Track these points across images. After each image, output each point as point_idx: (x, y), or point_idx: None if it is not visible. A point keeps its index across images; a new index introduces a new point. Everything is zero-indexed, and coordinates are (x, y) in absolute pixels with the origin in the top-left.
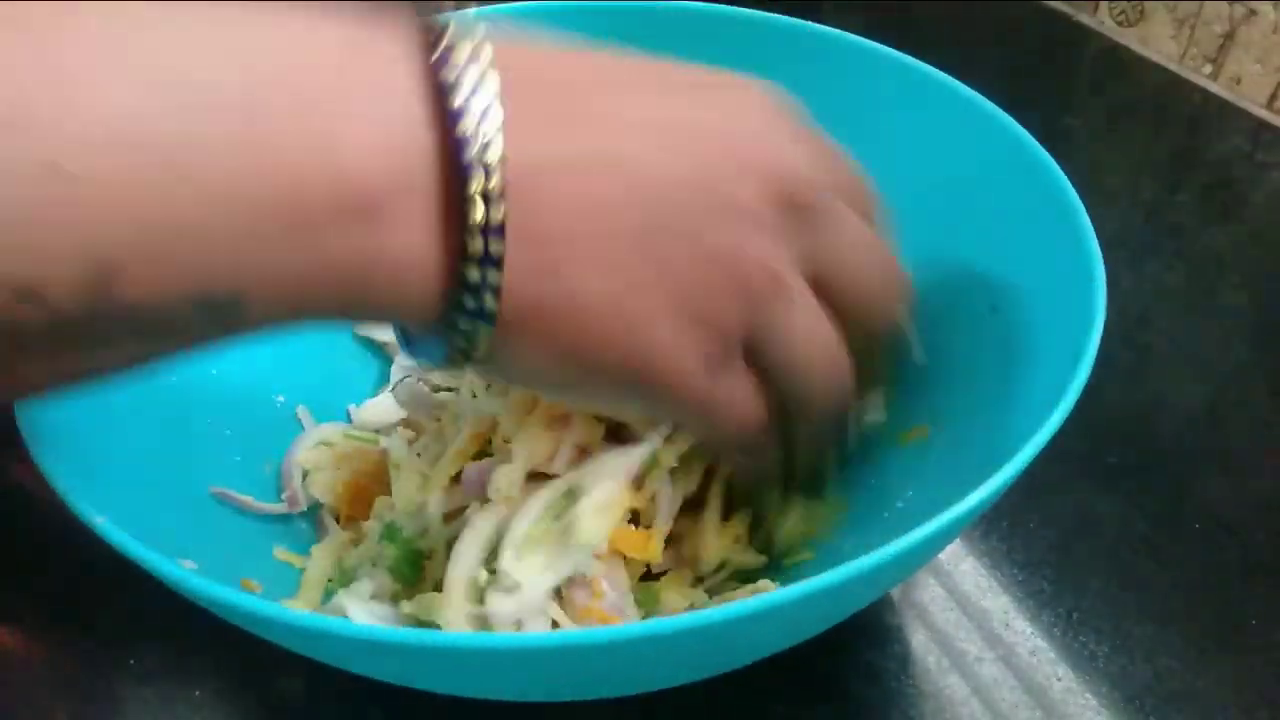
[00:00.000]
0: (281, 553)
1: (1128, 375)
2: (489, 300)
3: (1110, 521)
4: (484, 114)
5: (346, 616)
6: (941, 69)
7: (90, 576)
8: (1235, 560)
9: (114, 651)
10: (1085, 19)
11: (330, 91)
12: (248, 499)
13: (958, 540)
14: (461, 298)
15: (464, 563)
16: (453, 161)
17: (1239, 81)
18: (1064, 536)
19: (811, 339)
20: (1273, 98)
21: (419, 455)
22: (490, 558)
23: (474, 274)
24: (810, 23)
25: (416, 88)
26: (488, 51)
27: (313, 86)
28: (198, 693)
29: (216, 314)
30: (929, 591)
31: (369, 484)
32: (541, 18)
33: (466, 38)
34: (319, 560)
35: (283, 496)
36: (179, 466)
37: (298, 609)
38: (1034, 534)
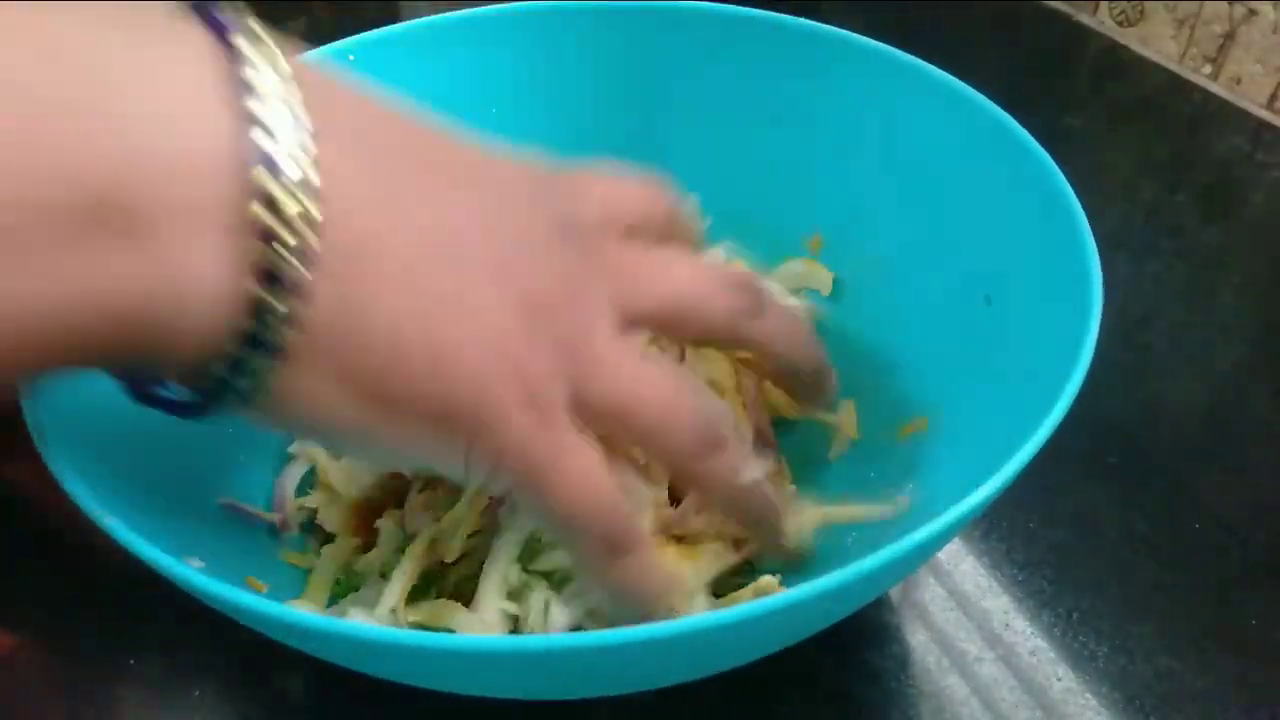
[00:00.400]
0: (289, 556)
1: (1128, 375)
2: (283, 331)
3: (1110, 521)
4: (290, 125)
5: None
6: (941, 69)
7: (90, 577)
8: (1236, 560)
9: (114, 652)
10: (1085, 19)
11: (100, 89)
12: (256, 510)
13: (958, 540)
14: (252, 329)
15: (502, 561)
16: (251, 175)
17: (1239, 82)
18: (1064, 536)
19: (642, 379)
20: (1273, 98)
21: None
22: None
23: (271, 303)
24: (809, 20)
25: (210, 92)
26: (286, 67)
27: (77, 84)
28: (197, 693)
29: None
30: (929, 591)
31: (371, 504)
32: (542, 18)
33: (264, 46)
34: (327, 561)
35: (277, 520)
36: (184, 465)
37: (305, 609)
38: (1034, 534)
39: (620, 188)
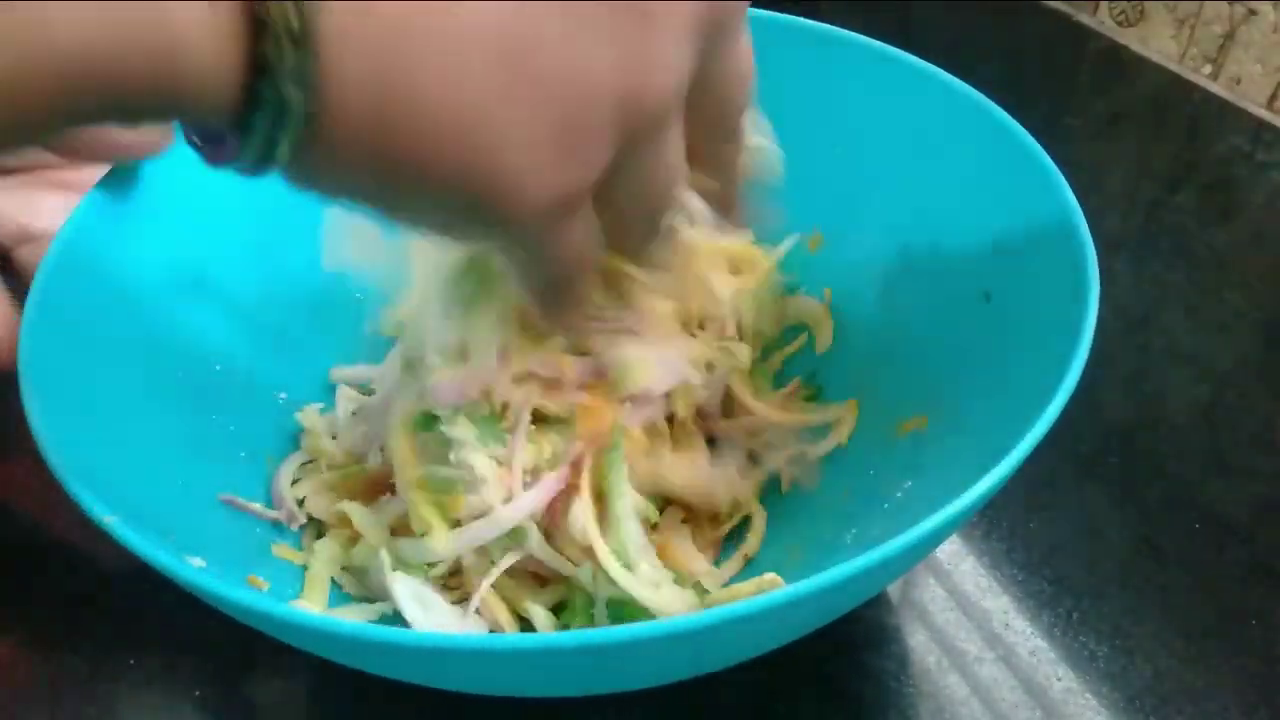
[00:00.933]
0: (281, 549)
1: (1128, 375)
2: (294, 92)
3: (1110, 522)
4: None
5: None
6: (941, 68)
7: (89, 577)
8: (1235, 560)
9: (114, 652)
10: (1085, 19)
11: None
12: (256, 506)
13: (958, 540)
14: (260, 86)
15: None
16: None
17: (1239, 81)
18: (1064, 537)
19: (668, 185)
20: (1273, 98)
21: None
22: None
23: (275, 53)
24: (809, 20)
25: None
26: None
27: None
28: (197, 693)
29: None
30: (929, 591)
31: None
32: None
33: None
34: (321, 557)
35: (280, 516)
36: (183, 464)
37: (306, 608)
38: (1034, 534)
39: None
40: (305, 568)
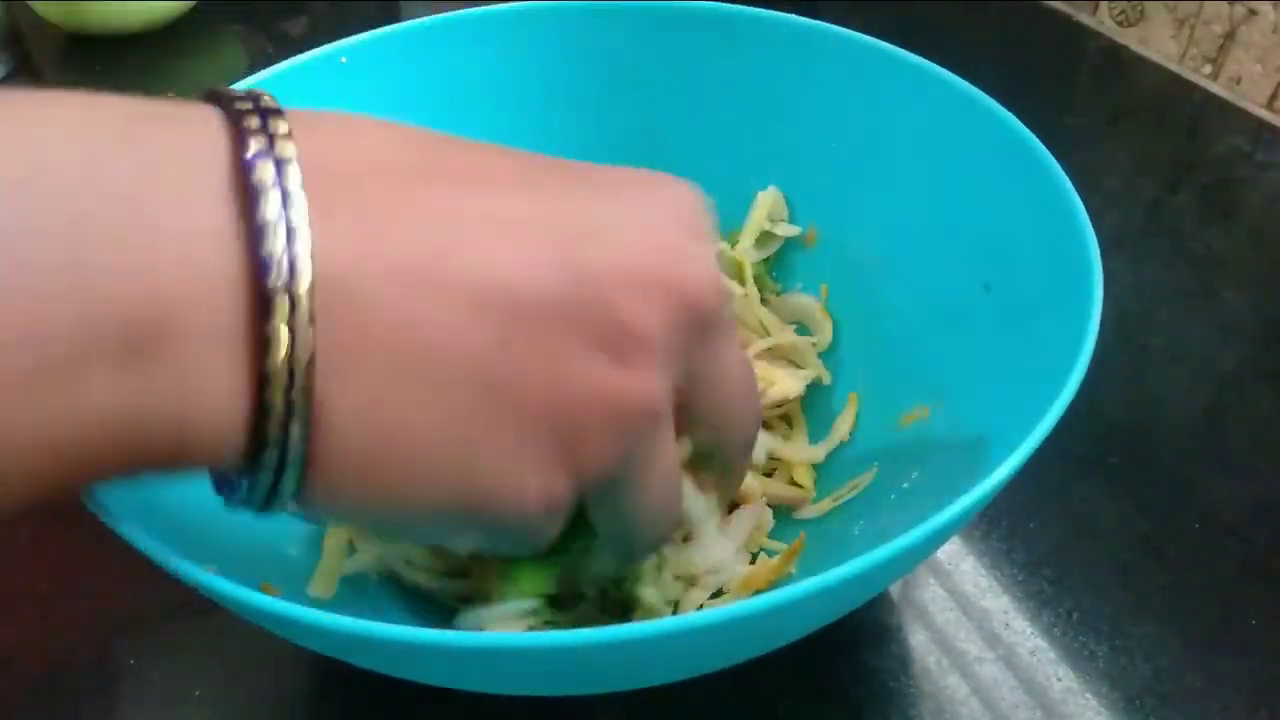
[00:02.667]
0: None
1: (1128, 375)
2: (294, 447)
3: (1110, 522)
4: (291, 230)
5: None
6: (941, 67)
7: (89, 576)
8: (1236, 560)
9: (114, 652)
10: (1085, 19)
11: (88, 196)
12: None
13: (958, 540)
14: (264, 441)
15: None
16: (251, 284)
17: (1239, 81)
18: (1064, 537)
19: (664, 482)
20: (1273, 98)
21: None
22: None
23: (274, 427)
24: (811, 19)
25: (206, 190)
26: (291, 145)
27: (63, 190)
28: (197, 693)
29: None
30: (929, 591)
31: None
32: (543, 17)
33: (271, 125)
34: (330, 557)
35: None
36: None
37: (318, 592)
38: (1034, 534)
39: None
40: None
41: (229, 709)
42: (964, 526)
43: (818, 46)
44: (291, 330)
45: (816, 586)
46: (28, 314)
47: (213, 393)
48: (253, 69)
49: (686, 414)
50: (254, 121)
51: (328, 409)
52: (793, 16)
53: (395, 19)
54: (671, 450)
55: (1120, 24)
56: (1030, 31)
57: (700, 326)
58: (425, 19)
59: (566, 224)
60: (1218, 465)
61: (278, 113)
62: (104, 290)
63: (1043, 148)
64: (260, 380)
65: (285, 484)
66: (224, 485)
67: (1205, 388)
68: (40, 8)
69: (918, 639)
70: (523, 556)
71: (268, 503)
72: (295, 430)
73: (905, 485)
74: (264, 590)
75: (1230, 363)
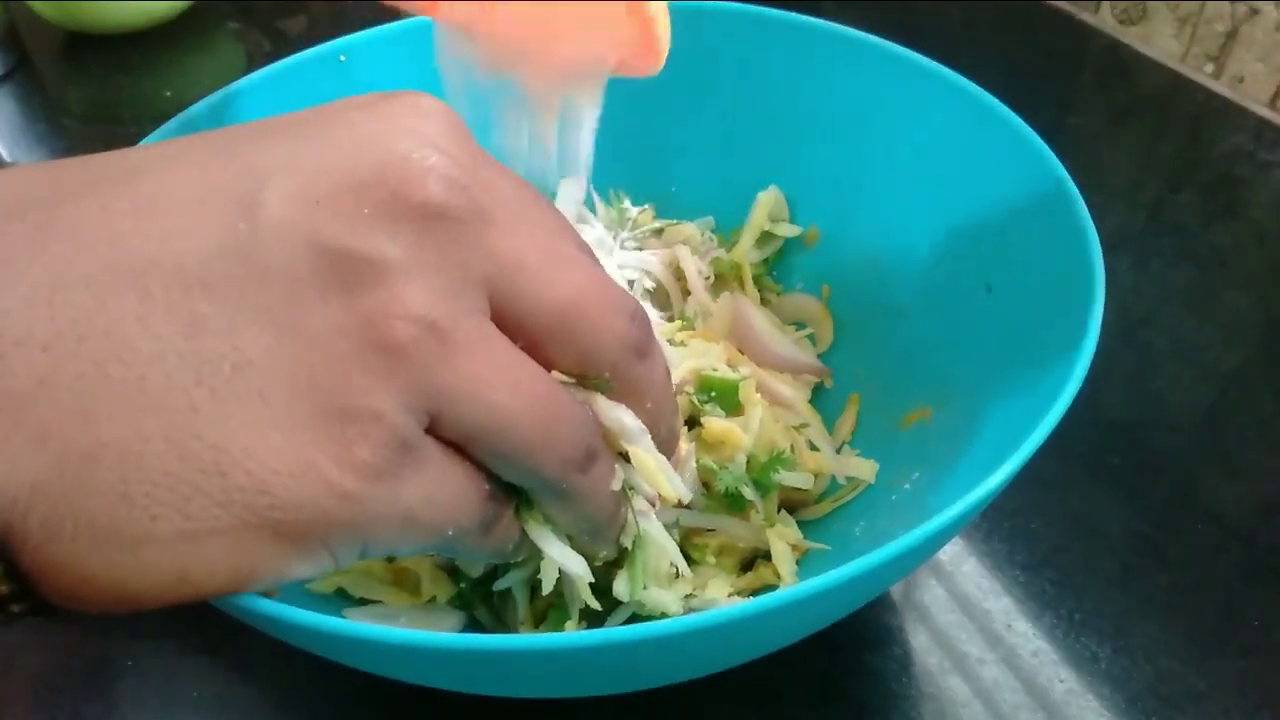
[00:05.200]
0: None
1: (1130, 375)
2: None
3: (1112, 523)
4: None
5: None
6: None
7: None
8: (1237, 561)
9: (114, 652)
10: (1087, 18)
11: None
12: None
13: (959, 541)
14: None
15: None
16: None
17: (1241, 80)
18: (1066, 538)
19: (514, 393)
20: (1275, 97)
21: None
22: None
23: None
24: (815, 18)
25: None
26: None
27: None
28: (196, 693)
29: None
30: (930, 593)
31: None
32: None
33: None
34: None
35: None
36: None
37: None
38: (1036, 535)
39: (474, 159)
40: None
41: (228, 709)
42: (965, 527)
43: (819, 45)
44: None
45: (817, 588)
46: None
47: None
48: (251, 67)
49: (520, 333)
50: None
51: (21, 532)
52: (794, 14)
53: (394, 18)
54: (496, 348)
55: (1122, 23)
56: (1032, 30)
57: (448, 221)
58: (425, 17)
59: (240, 178)
60: (1220, 466)
61: None
62: None
63: (1045, 146)
64: None
65: (13, 607)
66: None
67: (1207, 388)
68: (39, 6)
69: (919, 640)
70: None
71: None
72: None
73: (906, 486)
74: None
75: (1232, 362)
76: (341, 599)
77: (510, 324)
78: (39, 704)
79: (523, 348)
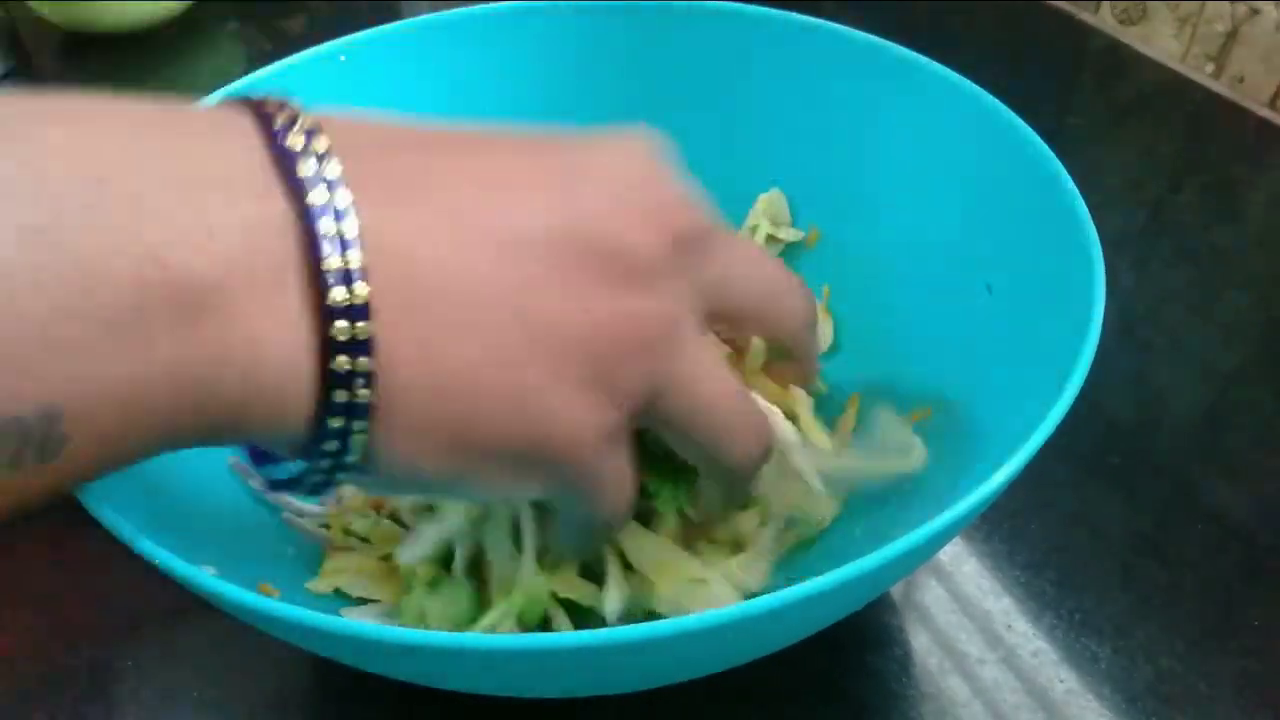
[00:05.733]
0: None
1: (1130, 375)
2: (361, 390)
3: (1113, 523)
4: (332, 184)
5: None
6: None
7: (89, 576)
8: (1238, 561)
9: (114, 651)
10: (1087, 17)
11: (140, 163)
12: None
13: (959, 542)
14: (330, 393)
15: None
16: (304, 239)
17: (1241, 81)
18: (1066, 538)
19: (716, 392)
20: (1275, 97)
21: None
22: None
23: (343, 362)
24: (811, 18)
25: (251, 154)
26: (314, 119)
27: (115, 157)
28: (197, 693)
29: (28, 444)
30: (930, 593)
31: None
32: (542, 16)
33: (295, 112)
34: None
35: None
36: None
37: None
38: (1036, 535)
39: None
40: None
41: (229, 710)
42: (965, 527)
43: (819, 45)
44: (347, 275)
45: (816, 589)
46: (91, 273)
47: (276, 342)
48: (251, 67)
49: (734, 325)
50: (280, 110)
51: (387, 354)
52: (794, 14)
53: (395, 17)
54: (710, 357)
55: (1122, 22)
56: (1031, 30)
57: (695, 242)
58: (425, 17)
59: (556, 172)
60: (1220, 466)
61: (296, 104)
62: (160, 247)
63: (1045, 147)
64: (324, 324)
65: (353, 442)
66: (275, 467)
67: (1207, 388)
68: (38, 6)
69: (920, 640)
70: (605, 519)
71: (332, 470)
72: (361, 363)
73: (907, 486)
74: (261, 591)
75: (1232, 363)
76: (339, 599)
77: (719, 314)
78: (39, 704)
79: (724, 328)
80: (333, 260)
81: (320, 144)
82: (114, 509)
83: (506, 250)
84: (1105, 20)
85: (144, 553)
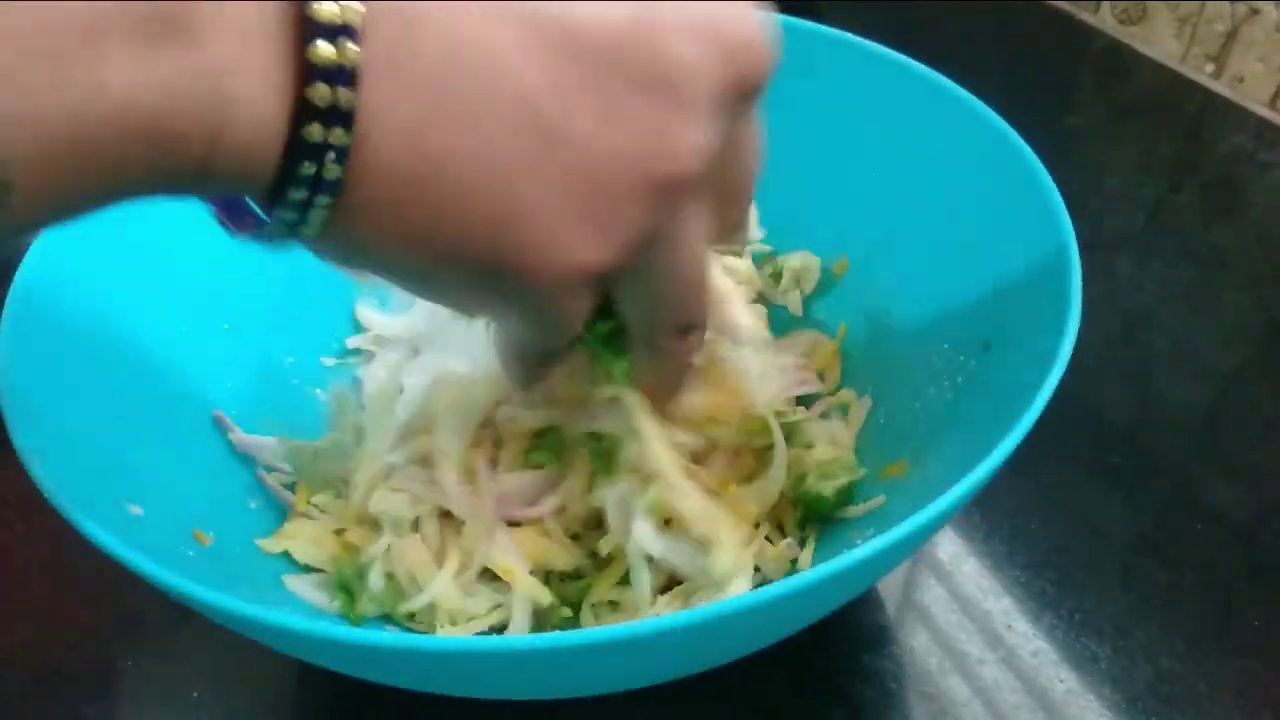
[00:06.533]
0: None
1: (1130, 375)
2: (331, 166)
3: (1112, 523)
4: None
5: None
6: (942, 68)
7: (89, 576)
8: (1237, 561)
9: (114, 652)
10: (1087, 18)
11: None
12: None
13: (959, 542)
14: (297, 161)
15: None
16: None
17: (1241, 80)
18: (1066, 538)
19: (690, 263)
20: (1275, 97)
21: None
22: None
23: (315, 131)
24: (807, 20)
25: None
26: None
27: None
28: (196, 693)
29: None
30: (930, 593)
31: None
32: None
33: None
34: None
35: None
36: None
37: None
38: (1036, 535)
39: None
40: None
41: (228, 710)
42: (955, 516)
43: (816, 49)
44: (339, 30)
45: (806, 582)
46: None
47: (250, 82)
48: None
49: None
50: None
51: (370, 121)
52: (793, 18)
53: None
54: (699, 226)
55: (1122, 23)
56: (1032, 30)
57: (745, 92)
58: None
59: None
60: (1220, 466)
61: None
62: None
63: (1029, 149)
64: (304, 74)
65: (318, 201)
66: (236, 217)
67: (1207, 388)
68: None
69: (919, 640)
70: (547, 348)
71: (292, 230)
72: (337, 135)
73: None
74: (195, 537)
75: (1232, 363)
76: (287, 563)
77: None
78: (39, 704)
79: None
80: (325, 7)
81: None
82: (75, 497)
83: (545, 38)
84: (1105, 20)
85: (118, 555)
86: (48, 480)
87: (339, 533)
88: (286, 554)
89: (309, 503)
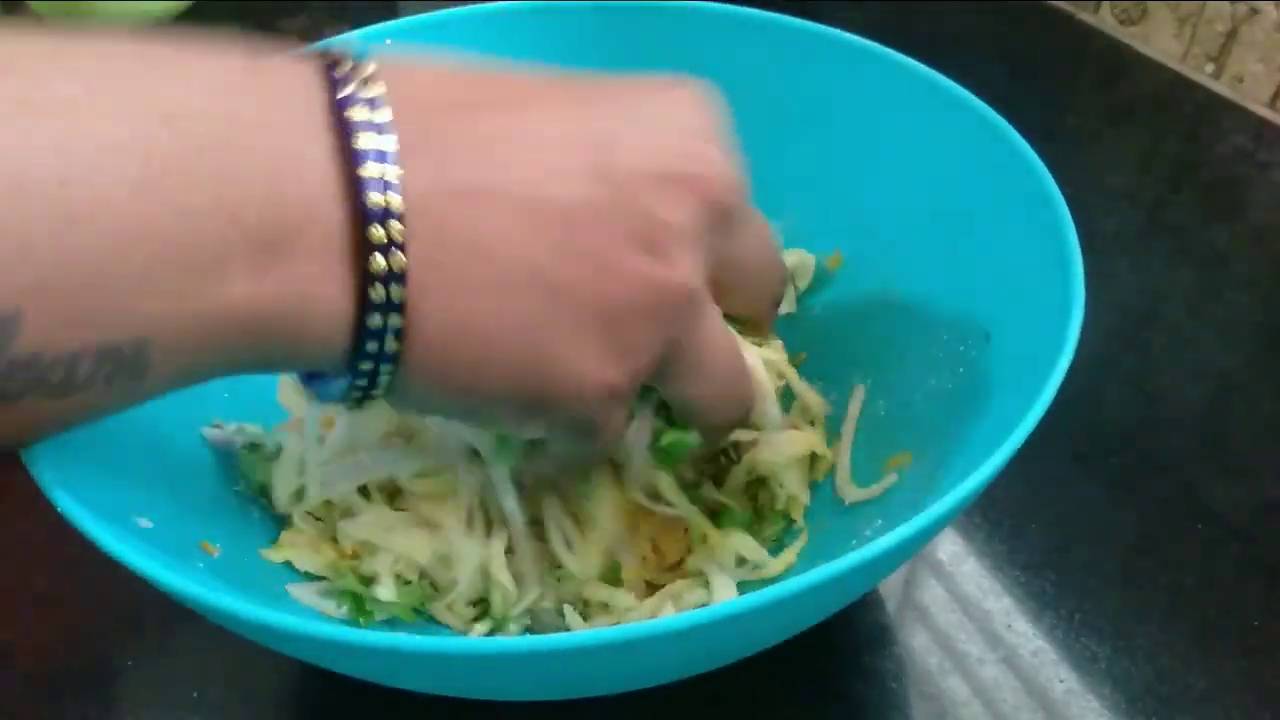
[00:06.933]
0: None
1: (1130, 375)
2: (390, 343)
3: (1112, 522)
4: (384, 156)
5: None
6: (942, 68)
7: (89, 576)
8: (1237, 561)
9: (114, 652)
10: (1087, 18)
11: (226, 131)
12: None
13: (959, 541)
14: (364, 341)
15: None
16: (354, 203)
17: (1241, 80)
18: (1066, 538)
19: (719, 360)
20: (1275, 97)
21: None
22: None
23: (376, 320)
24: (807, 20)
25: (316, 126)
26: (380, 85)
27: (207, 127)
28: (196, 693)
29: (122, 367)
30: (930, 593)
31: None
32: (541, 16)
33: (360, 70)
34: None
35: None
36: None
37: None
38: (1036, 535)
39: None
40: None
41: (228, 710)
42: (954, 520)
43: (814, 49)
44: (388, 239)
45: (804, 584)
46: (181, 215)
47: (327, 290)
48: None
49: (720, 292)
50: (346, 68)
51: (416, 308)
52: (793, 20)
53: (393, 16)
54: (718, 326)
55: (1122, 23)
56: (1032, 30)
57: (723, 217)
58: (423, 15)
59: (595, 137)
60: (1220, 466)
61: (363, 59)
62: (239, 200)
63: (1035, 156)
64: (364, 282)
65: (383, 369)
66: (322, 385)
67: (1207, 388)
68: (38, 6)
69: (919, 640)
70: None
71: (365, 392)
72: (393, 320)
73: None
74: (202, 549)
75: (1232, 363)
76: (290, 572)
77: (715, 281)
78: (39, 704)
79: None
80: (377, 232)
81: (381, 115)
82: (60, 473)
83: (538, 219)
84: (1105, 20)
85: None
86: (65, 499)
87: (333, 540)
88: (289, 563)
89: (305, 513)
